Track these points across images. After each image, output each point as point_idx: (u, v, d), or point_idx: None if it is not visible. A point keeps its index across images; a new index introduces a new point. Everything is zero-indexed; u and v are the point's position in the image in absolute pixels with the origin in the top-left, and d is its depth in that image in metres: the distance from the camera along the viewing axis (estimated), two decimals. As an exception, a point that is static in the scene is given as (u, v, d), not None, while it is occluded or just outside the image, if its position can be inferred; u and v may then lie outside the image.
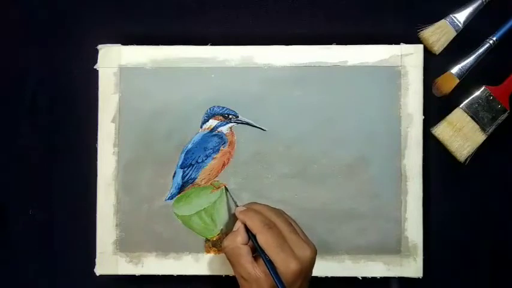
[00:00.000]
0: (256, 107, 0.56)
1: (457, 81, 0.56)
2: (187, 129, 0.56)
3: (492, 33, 0.56)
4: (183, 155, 0.56)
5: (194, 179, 0.56)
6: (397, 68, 0.55)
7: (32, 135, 0.58)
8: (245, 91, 0.56)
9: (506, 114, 0.56)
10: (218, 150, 0.55)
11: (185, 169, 0.56)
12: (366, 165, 0.55)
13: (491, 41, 0.56)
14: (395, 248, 0.55)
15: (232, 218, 0.55)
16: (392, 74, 0.55)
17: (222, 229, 0.56)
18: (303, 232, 0.49)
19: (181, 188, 0.56)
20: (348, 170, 0.55)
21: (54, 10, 0.59)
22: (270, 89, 0.56)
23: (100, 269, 0.56)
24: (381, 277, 0.55)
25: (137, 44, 0.56)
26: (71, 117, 0.58)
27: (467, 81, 0.57)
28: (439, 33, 0.56)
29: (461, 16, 0.56)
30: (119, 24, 0.58)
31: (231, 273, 0.55)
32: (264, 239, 0.46)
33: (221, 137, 0.55)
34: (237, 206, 0.53)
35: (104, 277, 0.56)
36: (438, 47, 0.56)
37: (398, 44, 0.56)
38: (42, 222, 0.58)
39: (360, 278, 0.55)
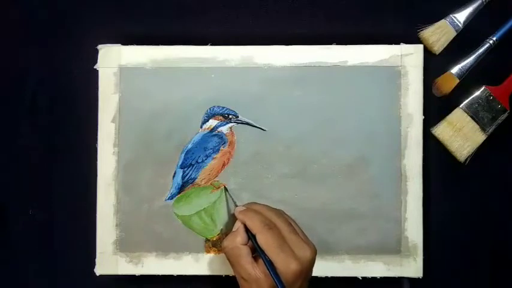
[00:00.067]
0: (256, 107, 0.56)
1: (457, 81, 0.56)
2: (187, 129, 0.56)
3: (492, 33, 0.56)
4: (183, 155, 0.56)
5: (194, 179, 0.56)
6: (397, 68, 0.55)
7: (32, 135, 0.58)
8: (245, 91, 0.56)
9: (506, 114, 0.56)
10: (218, 150, 0.55)
11: (185, 169, 0.56)
12: (366, 165, 0.55)
13: (491, 41, 0.56)
14: (395, 248, 0.55)
15: (232, 218, 0.55)
16: (392, 74, 0.55)
17: (222, 229, 0.56)
18: (303, 232, 0.49)
19: (181, 188, 0.56)
20: (348, 170, 0.55)
21: (54, 10, 0.59)
22: (270, 89, 0.56)
23: (100, 269, 0.56)
24: (380, 277, 0.55)
25: (137, 44, 0.56)
26: (71, 117, 0.58)
27: (467, 81, 0.57)
28: (439, 33, 0.56)
29: (461, 16, 0.56)
30: (119, 24, 0.58)
31: (231, 273, 0.55)
32: (264, 239, 0.46)
33: (221, 137, 0.55)
34: (237, 206, 0.53)
35: (104, 277, 0.56)
36: (438, 47, 0.56)
37: (398, 44, 0.56)
38: (42, 222, 0.58)
39: (360, 278, 0.55)
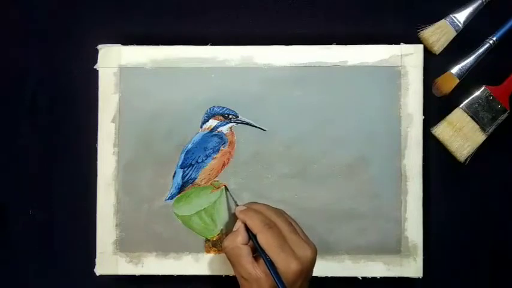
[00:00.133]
0: (256, 107, 0.56)
1: (457, 81, 0.56)
2: (187, 129, 0.56)
3: (492, 33, 0.56)
4: (183, 155, 0.56)
5: (194, 179, 0.56)
6: (397, 68, 0.55)
7: (32, 135, 0.58)
8: (245, 91, 0.56)
9: (506, 114, 0.56)
10: (218, 150, 0.55)
11: (185, 169, 0.56)
12: (366, 165, 0.55)
13: (491, 41, 0.56)
14: (395, 248, 0.55)
15: (233, 218, 0.55)
16: (392, 74, 0.55)
17: (222, 229, 0.56)
18: (303, 232, 0.49)
19: (181, 188, 0.56)
20: (348, 170, 0.55)
21: (54, 10, 0.59)
22: (270, 89, 0.56)
23: (100, 269, 0.56)
24: (380, 277, 0.55)
25: (137, 44, 0.56)
26: (71, 117, 0.58)
27: (467, 81, 0.57)
28: (439, 33, 0.56)
29: (461, 16, 0.56)
30: (119, 24, 0.58)
31: (231, 273, 0.55)
32: (265, 239, 0.46)
33: (221, 137, 0.55)
34: (237, 205, 0.53)
35: (104, 277, 0.56)
36: (438, 47, 0.56)
37: (398, 44, 0.56)
38: (42, 222, 0.58)
39: (360, 278, 0.55)
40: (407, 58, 0.55)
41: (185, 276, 0.56)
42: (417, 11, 0.57)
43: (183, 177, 0.56)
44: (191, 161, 0.56)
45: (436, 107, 0.57)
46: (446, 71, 0.57)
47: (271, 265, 0.45)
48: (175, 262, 0.56)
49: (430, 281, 0.56)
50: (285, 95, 0.56)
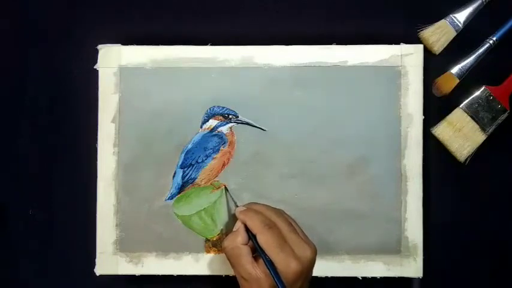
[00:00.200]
0: (256, 107, 0.56)
1: (457, 81, 0.56)
2: (187, 129, 0.56)
3: (492, 33, 0.56)
4: (183, 155, 0.56)
5: (194, 179, 0.56)
6: (397, 68, 0.55)
7: (32, 135, 0.58)
8: (245, 91, 0.56)
9: (506, 114, 0.56)
10: (218, 150, 0.55)
11: (185, 169, 0.56)
12: (366, 165, 0.55)
13: (491, 41, 0.56)
14: (395, 248, 0.55)
15: (232, 218, 0.55)
16: (393, 74, 0.55)
17: (222, 229, 0.56)
18: (303, 232, 0.49)
19: (181, 188, 0.56)
20: (348, 170, 0.55)
21: (54, 10, 0.59)
22: (270, 89, 0.56)
23: (100, 269, 0.56)
24: (380, 277, 0.55)
25: (137, 44, 0.56)
26: (71, 117, 0.58)
27: (467, 81, 0.57)
28: (439, 33, 0.56)
29: (461, 16, 0.56)
30: (119, 24, 0.58)
31: (231, 273, 0.55)
32: (264, 239, 0.46)
33: (221, 137, 0.55)
34: (237, 206, 0.53)
35: (104, 277, 0.56)
36: (438, 47, 0.56)
37: (398, 44, 0.56)
38: (42, 222, 0.58)
39: (360, 278, 0.55)
40: (407, 58, 0.55)
41: (185, 276, 0.56)
42: (417, 11, 0.57)
43: (183, 177, 0.56)
44: (191, 161, 0.56)
45: (436, 107, 0.57)
46: (446, 71, 0.57)
47: (271, 265, 0.45)
48: (175, 262, 0.56)
49: (430, 281, 0.56)
50: (285, 95, 0.56)
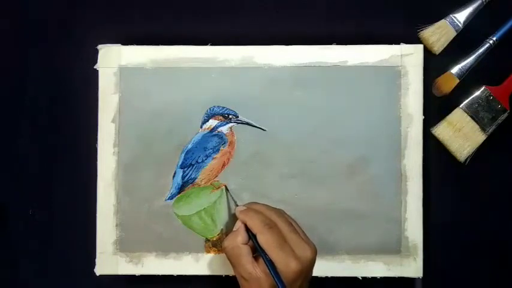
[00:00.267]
0: (256, 107, 0.56)
1: (457, 81, 0.56)
2: (187, 129, 0.56)
3: (492, 33, 0.56)
4: (183, 155, 0.56)
5: (194, 179, 0.56)
6: (397, 68, 0.55)
7: (32, 135, 0.58)
8: (245, 91, 0.56)
9: (506, 114, 0.56)
10: (218, 150, 0.55)
11: (185, 169, 0.56)
12: (366, 165, 0.55)
13: (491, 41, 0.56)
14: (395, 248, 0.55)
15: (232, 218, 0.55)
16: (393, 74, 0.55)
17: (222, 229, 0.56)
18: (303, 232, 0.49)
19: (181, 188, 0.56)
20: (348, 170, 0.55)
21: (54, 10, 0.59)
22: (270, 89, 0.56)
23: (100, 269, 0.56)
24: (380, 277, 0.55)
25: (137, 44, 0.56)
26: (71, 117, 0.58)
27: (467, 81, 0.57)
28: (439, 33, 0.56)
29: (461, 16, 0.56)
30: (119, 24, 0.58)
31: (231, 273, 0.55)
32: (264, 239, 0.46)
33: (221, 137, 0.55)
34: (237, 205, 0.53)
35: (104, 277, 0.56)
36: (438, 47, 0.56)
37: (398, 44, 0.56)
38: (42, 222, 0.58)
39: (360, 278, 0.55)
40: (407, 58, 0.55)
41: (185, 276, 0.56)
42: (417, 11, 0.57)
43: (183, 177, 0.56)
44: (191, 161, 0.56)
45: (436, 107, 0.57)
46: (446, 71, 0.57)
47: (271, 265, 0.45)
48: (175, 262, 0.56)
49: (430, 281, 0.56)
50: (285, 95, 0.56)
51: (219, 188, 0.56)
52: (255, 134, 0.55)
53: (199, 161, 0.55)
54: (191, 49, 0.56)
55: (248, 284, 0.46)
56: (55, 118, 0.58)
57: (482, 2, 0.56)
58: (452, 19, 0.56)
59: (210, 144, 0.55)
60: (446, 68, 0.57)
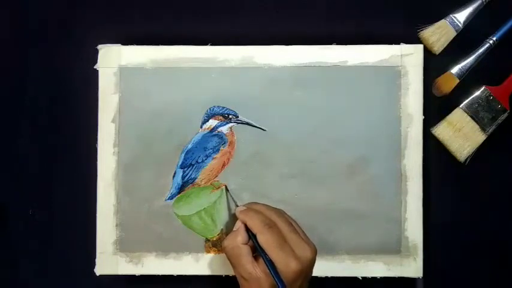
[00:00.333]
0: (256, 107, 0.56)
1: (457, 81, 0.56)
2: (187, 129, 0.56)
3: (492, 33, 0.56)
4: (183, 155, 0.56)
5: (194, 179, 0.56)
6: (397, 68, 0.55)
7: (32, 135, 0.58)
8: (245, 91, 0.56)
9: (506, 114, 0.56)
10: (218, 150, 0.55)
11: (185, 169, 0.56)
12: (366, 165, 0.55)
13: (491, 41, 0.56)
14: (395, 248, 0.55)
15: (232, 218, 0.55)
16: (393, 74, 0.55)
17: (222, 229, 0.56)
18: (303, 232, 0.49)
19: (181, 188, 0.56)
20: (348, 170, 0.55)
21: (54, 10, 0.59)
22: (270, 89, 0.56)
23: (100, 269, 0.56)
24: (380, 277, 0.55)
25: (137, 44, 0.56)
26: (71, 117, 0.58)
27: (467, 81, 0.57)
28: (439, 33, 0.56)
29: (461, 16, 0.56)
30: (119, 24, 0.58)
31: (231, 273, 0.55)
32: (264, 239, 0.46)
33: (221, 137, 0.55)
34: (237, 205, 0.53)
35: (104, 277, 0.56)
36: (438, 47, 0.56)
37: (399, 44, 0.56)
38: (42, 222, 0.58)
39: (360, 278, 0.55)
40: (407, 58, 0.55)
41: (185, 276, 0.56)
42: (417, 11, 0.57)
43: (183, 177, 0.56)
44: (191, 161, 0.56)
45: (436, 107, 0.57)
46: (446, 71, 0.57)
47: (271, 265, 0.45)
48: (175, 262, 0.56)
49: (430, 281, 0.56)
50: (285, 95, 0.56)
51: (219, 188, 0.56)
52: (255, 134, 0.55)
53: (199, 161, 0.55)
54: (191, 49, 0.56)
55: (248, 284, 0.46)
56: (55, 118, 0.58)
57: (482, 2, 0.56)
58: (452, 19, 0.56)
59: (210, 144, 0.55)
60: (446, 68, 0.57)
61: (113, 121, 0.56)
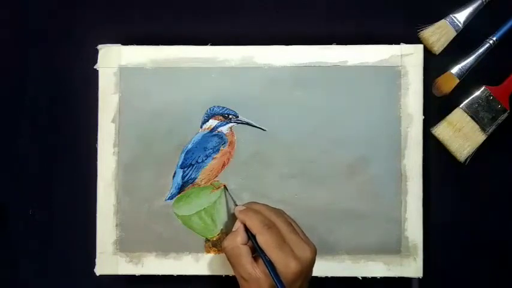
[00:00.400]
0: (256, 107, 0.56)
1: (457, 81, 0.56)
2: (187, 129, 0.56)
3: (492, 33, 0.56)
4: (183, 155, 0.56)
5: (194, 179, 0.56)
6: (397, 68, 0.55)
7: (32, 135, 0.58)
8: (245, 91, 0.56)
9: (506, 114, 0.56)
10: (218, 150, 0.55)
11: (185, 169, 0.56)
12: (366, 165, 0.55)
13: (491, 41, 0.56)
14: (395, 248, 0.55)
15: (232, 218, 0.55)
16: (393, 74, 0.55)
17: (222, 229, 0.56)
18: (303, 232, 0.49)
19: (181, 188, 0.56)
20: (348, 170, 0.55)
21: (54, 10, 0.59)
22: (270, 89, 0.56)
23: (100, 269, 0.56)
24: (380, 277, 0.55)
25: (137, 44, 0.56)
26: (71, 117, 0.58)
27: (467, 81, 0.57)
28: (439, 33, 0.56)
29: (461, 16, 0.56)
30: (119, 24, 0.58)
31: (231, 273, 0.55)
32: (264, 239, 0.46)
33: (221, 137, 0.55)
34: (237, 205, 0.53)
35: (104, 277, 0.56)
36: (438, 47, 0.56)
37: (398, 44, 0.56)
38: (42, 222, 0.58)
39: (360, 278, 0.55)
40: (407, 58, 0.55)
41: (185, 276, 0.56)
42: (417, 11, 0.57)
43: (183, 177, 0.56)
44: (191, 161, 0.56)
45: (436, 107, 0.57)
46: (446, 71, 0.57)
47: (270, 265, 0.45)
48: (175, 262, 0.56)
49: (430, 281, 0.56)
50: (285, 95, 0.56)
51: (219, 188, 0.56)
52: (255, 134, 0.55)
53: (199, 161, 0.55)
54: (191, 49, 0.56)
55: (248, 284, 0.46)
56: (55, 118, 0.58)
57: (482, 2, 0.56)
58: (452, 19, 0.56)
59: (210, 144, 0.55)
60: (446, 68, 0.57)
61: (113, 121, 0.56)
